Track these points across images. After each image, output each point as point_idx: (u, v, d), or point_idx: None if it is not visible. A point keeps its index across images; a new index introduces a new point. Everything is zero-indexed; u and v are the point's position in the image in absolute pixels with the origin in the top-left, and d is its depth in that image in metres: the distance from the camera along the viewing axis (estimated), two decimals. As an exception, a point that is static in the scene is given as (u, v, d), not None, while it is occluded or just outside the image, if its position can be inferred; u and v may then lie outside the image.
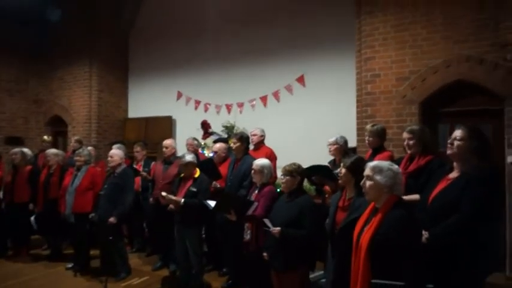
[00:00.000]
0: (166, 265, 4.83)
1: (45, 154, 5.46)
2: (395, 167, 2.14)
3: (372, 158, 3.27)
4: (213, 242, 4.65)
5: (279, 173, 4.12)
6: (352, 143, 4.67)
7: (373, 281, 1.92)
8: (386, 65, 4.76)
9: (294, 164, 3.08)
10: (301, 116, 6.37)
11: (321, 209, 3.38)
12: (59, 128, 8.64)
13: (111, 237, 4.34)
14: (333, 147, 3.83)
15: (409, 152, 2.99)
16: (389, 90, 4.76)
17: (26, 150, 5.49)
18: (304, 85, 6.44)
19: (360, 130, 4.93)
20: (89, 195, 4.65)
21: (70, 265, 4.84)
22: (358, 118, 5.12)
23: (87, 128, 7.95)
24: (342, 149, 3.84)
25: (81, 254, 4.81)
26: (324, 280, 4.05)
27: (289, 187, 3.02)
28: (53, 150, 5.34)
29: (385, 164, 2.15)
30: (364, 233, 2.04)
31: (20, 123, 8.52)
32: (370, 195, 2.12)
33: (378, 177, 2.07)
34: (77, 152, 5.05)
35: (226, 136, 6.10)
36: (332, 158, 4.09)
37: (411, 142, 2.94)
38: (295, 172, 3.01)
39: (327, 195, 3.60)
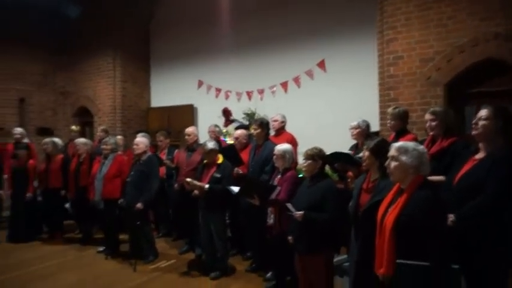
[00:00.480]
0: (192, 249, 4.98)
1: (74, 143, 5.68)
2: (421, 147, 2.12)
3: (394, 142, 3.23)
4: (237, 227, 4.75)
5: (300, 159, 4.16)
6: (374, 127, 4.61)
7: (398, 261, 1.93)
8: (410, 46, 4.64)
9: (315, 148, 3.09)
10: (322, 101, 6.32)
11: (344, 193, 3.39)
12: (85, 119, 8.91)
13: (138, 222, 4.52)
14: (355, 131, 3.80)
15: (431, 133, 2.94)
16: (413, 72, 4.64)
17: (56, 140, 5.74)
18: (324, 70, 6.37)
19: (383, 114, 4.85)
20: (116, 182, 4.83)
21: (101, 248, 5.07)
22: (380, 102, 5.03)
23: (112, 118, 8.18)
24: (364, 133, 3.82)
25: (110, 238, 5.02)
26: (347, 264, 4.09)
27: (311, 171, 3.04)
28: (82, 140, 5.55)
29: (411, 144, 2.13)
30: (389, 214, 2.04)
31: (48, 115, 8.85)
32: (395, 176, 2.11)
33: (403, 158, 2.05)
34: (103, 140, 5.22)
35: (247, 123, 6.14)
36: (354, 142, 4.07)
37: (433, 123, 2.88)
38: (317, 156, 3.02)
39: (349, 180, 3.59)
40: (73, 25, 8.66)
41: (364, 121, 3.88)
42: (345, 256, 4.09)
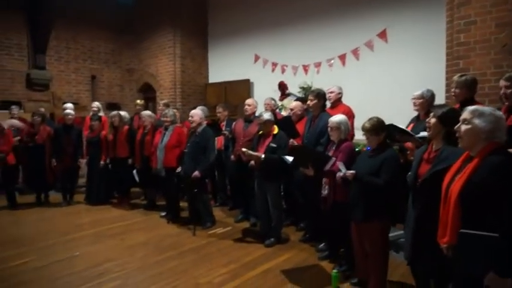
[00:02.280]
0: (247, 218, 5.16)
1: (140, 115, 6.06)
2: (499, 112, 1.93)
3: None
4: (291, 198, 4.81)
5: (356, 133, 4.06)
6: (440, 101, 4.32)
7: (462, 231, 1.83)
8: (484, 9, 4.20)
9: (374, 120, 2.95)
10: (383, 74, 6.04)
11: (403, 166, 3.26)
12: (148, 94, 9.44)
13: (196, 190, 4.76)
14: (418, 102, 3.57)
15: (506, 103, 2.68)
16: (487, 39, 4.22)
17: (122, 112, 6.16)
18: (386, 40, 6.04)
19: (449, 86, 4.51)
20: (176, 151, 5.10)
21: (163, 213, 5.45)
22: (447, 73, 4.69)
23: (173, 93, 8.56)
24: (428, 104, 3.58)
25: (172, 204, 5.36)
26: (403, 240, 3.98)
27: (375, 144, 2.95)
28: (147, 112, 5.91)
29: (487, 108, 1.96)
30: (455, 182, 1.93)
31: (116, 91, 9.51)
32: (464, 141, 1.97)
33: (476, 121, 1.90)
34: (163, 113, 5.51)
35: (303, 97, 6.08)
36: (414, 115, 3.85)
37: (509, 91, 2.62)
38: (380, 129, 2.93)
39: (408, 152, 3.44)
40: (137, 5, 9.08)
41: (429, 91, 3.61)
42: (401, 232, 4.00)
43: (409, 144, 3.36)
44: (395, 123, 3.24)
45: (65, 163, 6.08)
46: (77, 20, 8.55)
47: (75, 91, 8.68)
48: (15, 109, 6.56)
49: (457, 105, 3.23)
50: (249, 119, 5.08)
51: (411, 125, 3.52)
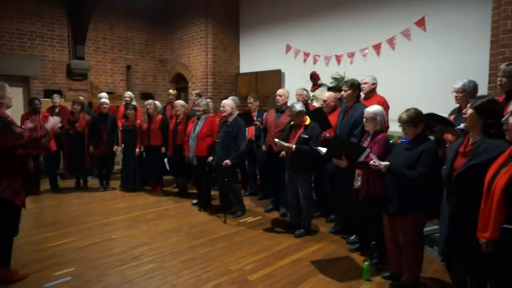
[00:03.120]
0: (277, 208, 5.19)
1: (173, 105, 6.18)
2: None
3: (505, 104, 2.84)
4: (322, 189, 4.78)
5: (390, 124, 3.96)
6: (482, 93, 4.11)
7: (505, 226, 1.76)
8: (536, -6, 3.95)
9: (412, 111, 2.86)
10: (420, 64, 5.82)
11: (442, 160, 3.15)
12: (180, 84, 9.60)
13: (226, 179, 4.83)
14: (459, 95, 3.39)
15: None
16: (537, 26, 3.97)
17: (157, 102, 6.31)
18: (424, 29, 5.80)
19: (493, 77, 4.28)
20: (208, 141, 5.18)
21: (195, 201, 5.58)
22: (491, 62, 4.43)
23: (204, 83, 8.66)
24: (470, 96, 3.40)
25: (203, 192, 5.46)
26: (437, 234, 3.87)
27: (413, 136, 2.87)
28: (180, 102, 6.01)
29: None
30: (501, 175, 1.86)
31: (150, 81, 9.73)
32: None
33: None
34: (196, 102, 5.59)
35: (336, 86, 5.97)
36: (454, 107, 3.69)
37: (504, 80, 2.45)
38: (418, 121, 2.83)
39: (447, 145, 3.31)
40: (169, -3, 9.22)
41: (471, 81, 3.41)
42: (436, 227, 3.88)
43: (448, 136, 3.22)
44: (435, 112, 3.12)
45: (101, 150, 6.32)
46: (113, 12, 8.79)
47: (111, 81, 8.97)
48: (56, 98, 6.87)
49: (502, 97, 3.06)
50: (281, 109, 5.06)
51: (452, 117, 3.36)
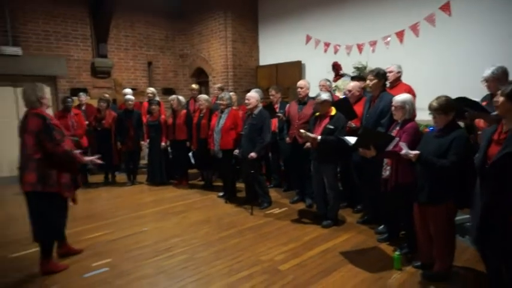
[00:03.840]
0: (303, 200, 5.22)
1: (196, 99, 6.27)
2: None
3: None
4: (348, 180, 4.77)
5: (418, 113, 3.89)
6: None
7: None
8: None
9: (442, 98, 2.82)
10: (446, 51, 5.68)
11: (473, 148, 3.09)
12: (201, 79, 9.68)
13: (252, 171, 4.88)
14: (490, 84, 3.27)
15: None
16: None
17: (180, 97, 6.41)
18: (449, 14, 5.64)
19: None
20: (232, 134, 5.25)
21: (221, 194, 5.67)
22: (522, 47, 4.31)
23: (225, 77, 8.71)
24: (499, 82, 3.30)
25: (229, 185, 5.54)
26: (469, 224, 3.81)
27: (443, 124, 2.83)
28: (204, 96, 6.09)
29: None
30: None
31: (171, 76, 9.86)
32: None
33: None
34: (219, 96, 5.65)
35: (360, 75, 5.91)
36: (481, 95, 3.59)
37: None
38: (449, 109, 2.79)
39: (479, 132, 3.24)
40: (188, -10, 9.26)
41: (499, 67, 3.27)
42: (467, 216, 3.83)
43: (480, 123, 3.16)
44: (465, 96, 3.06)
45: (128, 145, 6.49)
46: (134, 9, 8.92)
47: (133, 77, 9.13)
48: (82, 96, 7.08)
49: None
50: (303, 101, 5.05)
51: (484, 103, 3.28)
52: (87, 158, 3.46)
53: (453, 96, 3.16)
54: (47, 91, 3.29)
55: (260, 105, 4.99)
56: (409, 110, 3.27)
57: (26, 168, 3.07)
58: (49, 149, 3.06)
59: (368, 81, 3.94)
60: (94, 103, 7.10)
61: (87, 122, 6.49)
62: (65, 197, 3.24)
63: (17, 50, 7.32)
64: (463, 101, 3.04)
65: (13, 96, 7.66)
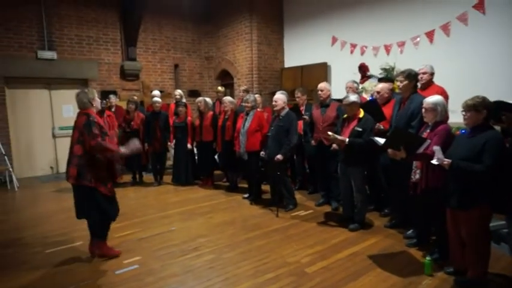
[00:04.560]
0: (328, 202, 5.17)
1: (222, 101, 6.33)
2: None
3: None
4: (375, 183, 4.69)
5: (451, 115, 3.78)
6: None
7: None
8: None
9: (478, 97, 2.76)
10: (479, 52, 5.49)
11: (509, 150, 2.98)
12: (226, 81, 9.78)
13: (278, 173, 4.88)
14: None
15: None
16: None
17: (207, 99, 6.50)
18: (484, 12, 5.45)
19: None
20: (257, 135, 5.27)
21: (246, 195, 5.70)
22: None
23: (250, 79, 8.76)
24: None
25: (254, 186, 5.57)
26: (505, 230, 3.67)
27: (474, 123, 2.75)
28: (229, 98, 6.15)
29: None
30: None
31: (196, 78, 10.02)
32: None
33: None
34: (244, 98, 5.69)
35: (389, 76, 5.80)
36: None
37: None
38: (481, 106, 2.71)
39: (516, 135, 3.13)
40: (214, -5, 9.40)
41: None
42: (503, 222, 3.69)
43: (517, 126, 3.05)
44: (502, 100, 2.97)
45: (155, 147, 6.63)
46: (162, 13, 9.14)
47: (160, 80, 9.34)
48: (113, 98, 7.29)
49: None
50: (325, 103, 5.01)
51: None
52: (129, 148, 3.56)
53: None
54: (96, 95, 3.58)
55: (287, 107, 4.99)
56: (441, 112, 3.19)
57: (71, 162, 3.37)
58: (86, 142, 3.30)
59: (398, 83, 3.86)
60: (123, 105, 7.30)
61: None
62: (101, 191, 3.42)
63: (52, 54, 7.65)
64: (500, 105, 2.94)
65: (48, 99, 8.01)
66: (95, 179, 3.36)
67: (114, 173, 3.64)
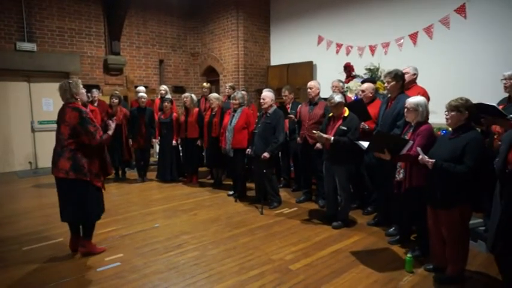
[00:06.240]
0: (309, 199, 5.21)
1: (207, 98, 6.30)
2: None
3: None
4: (359, 182, 4.75)
5: (431, 116, 3.87)
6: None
7: None
8: None
9: (461, 98, 2.82)
10: (460, 54, 5.64)
11: (488, 151, 3.07)
12: (212, 77, 9.72)
13: (264, 170, 4.89)
14: (509, 83, 3.29)
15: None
16: None
17: (193, 95, 6.45)
18: (465, 16, 5.60)
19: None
20: (244, 133, 5.26)
21: (231, 192, 5.69)
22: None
23: (235, 76, 8.74)
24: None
25: (239, 183, 5.56)
26: (482, 228, 3.78)
27: (455, 123, 2.82)
28: (215, 94, 6.11)
29: None
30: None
31: (182, 75, 9.92)
32: None
33: None
34: (232, 95, 5.66)
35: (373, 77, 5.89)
36: (497, 99, 3.56)
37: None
38: (463, 107, 2.77)
39: (495, 136, 3.22)
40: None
41: None
42: (480, 220, 3.80)
43: (496, 128, 3.14)
44: (484, 102, 3.05)
45: (139, 143, 6.54)
46: (147, 7, 9.01)
47: (145, 75, 9.21)
48: (95, 92, 7.13)
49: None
50: (313, 101, 5.04)
51: (501, 107, 3.27)
52: (111, 130, 3.55)
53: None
54: (81, 87, 3.46)
55: (274, 105, 5.00)
56: (422, 112, 3.24)
57: (62, 155, 3.26)
58: (85, 141, 3.25)
59: (386, 84, 3.91)
60: (106, 100, 7.16)
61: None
62: (96, 185, 3.40)
63: (32, 46, 7.43)
64: (479, 107, 3.02)
65: (27, 92, 7.78)
66: (90, 173, 3.32)
67: (106, 166, 3.58)
